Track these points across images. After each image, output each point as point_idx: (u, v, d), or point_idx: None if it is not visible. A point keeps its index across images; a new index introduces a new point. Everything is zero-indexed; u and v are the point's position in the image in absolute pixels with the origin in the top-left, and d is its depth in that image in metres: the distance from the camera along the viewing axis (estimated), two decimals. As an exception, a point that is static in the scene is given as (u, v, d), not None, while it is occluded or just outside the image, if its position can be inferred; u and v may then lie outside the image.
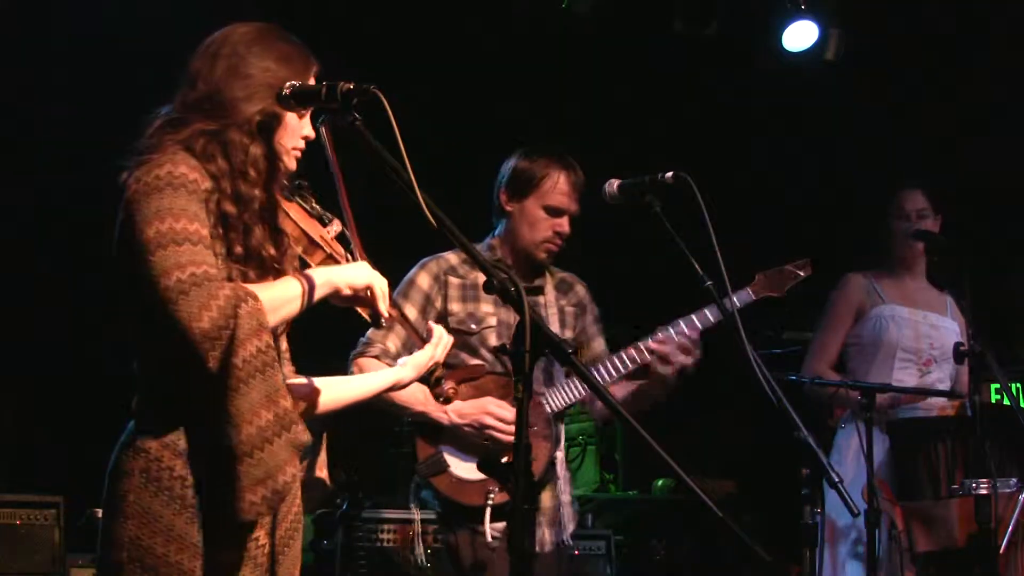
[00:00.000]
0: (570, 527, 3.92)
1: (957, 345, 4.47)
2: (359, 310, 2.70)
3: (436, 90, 6.12)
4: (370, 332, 3.78)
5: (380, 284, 2.62)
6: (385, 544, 4.94)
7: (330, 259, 2.67)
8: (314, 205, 2.74)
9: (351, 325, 3.85)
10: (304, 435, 2.45)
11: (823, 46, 6.22)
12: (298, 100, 2.54)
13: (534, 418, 3.74)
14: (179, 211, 2.39)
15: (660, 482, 6.58)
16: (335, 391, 2.83)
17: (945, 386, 4.81)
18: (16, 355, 5.35)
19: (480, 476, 3.70)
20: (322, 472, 2.98)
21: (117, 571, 2.44)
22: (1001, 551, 4.17)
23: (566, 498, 3.92)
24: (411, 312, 3.77)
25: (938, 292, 4.97)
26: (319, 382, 2.81)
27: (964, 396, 4.51)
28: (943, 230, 4.81)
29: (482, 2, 6.23)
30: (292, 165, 2.66)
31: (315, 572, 4.42)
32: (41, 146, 5.47)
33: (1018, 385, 5.61)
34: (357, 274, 2.60)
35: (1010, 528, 4.22)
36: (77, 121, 5.28)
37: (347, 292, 2.58)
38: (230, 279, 2.46)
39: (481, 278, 3.73)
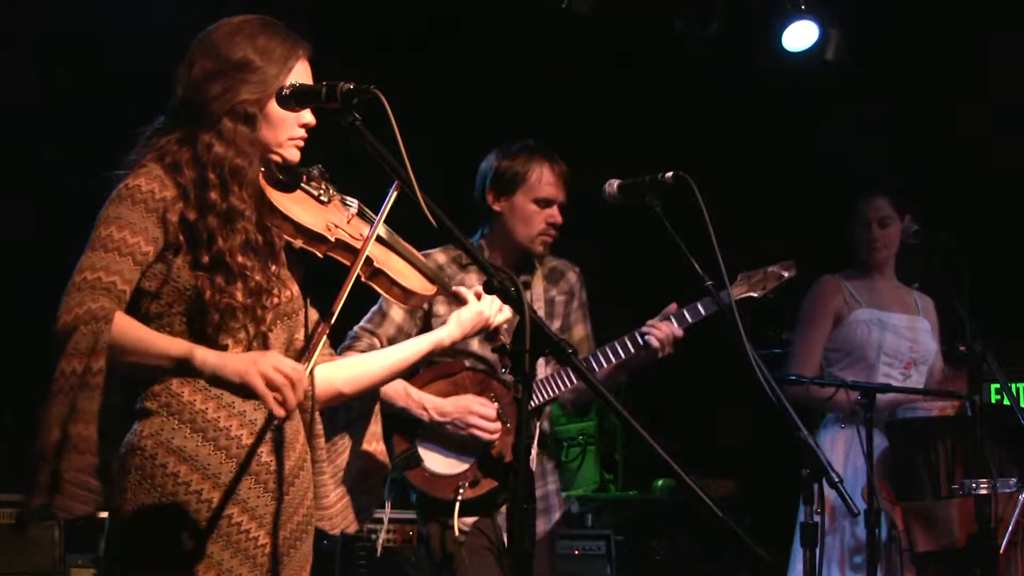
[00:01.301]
0: (556, 515, 3.97)
1: (956, 345, 4.46)
2: None
3: (436, 90, 6.11)
4: (358, 326, 3.78)
5: (274, 380, 2.31)
6: (384, 544, 4.94)
7: (337, 248, 2.60)
8: (326, 188, 2.66)
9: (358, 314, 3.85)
10: (77, 463, 2.34)
11: (823, 46, 6.21)
12: (297, 100, 2.52)
13: (509, 414, 3.74)
14: (114, 218, 2.43)
15: (660, 482, 6.58)
16: (379, 363, 2.83)
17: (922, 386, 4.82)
18: (16, 355, 5.34)
19: (452, 471, 3.74)
20: (372, 445, 2.84)
21: (118, 570, 2.47)
22: (1001, 551, 4.18)
23: (552, 487, 3.97)
24: (397, 313, 3.77)
25: (907, 290, 4.95)
26: (362, 358, 2.86)
27: (965, 396, 4.50)
28: (922, 227, 4.78)
29: (482, 2, 6.22)
30: (291, 156, 2.62)
31: (315, 572, 4.42)
32: (41, 146, 5.47)
33: (1019, 385, 5.60)
34: (235, 365, 2.33)
35: (1010, 528, 4.22)
36: (77, 121, 5.28)
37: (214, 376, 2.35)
38: (199, 290, 2.45)
39: (469, 280, 3.75)
